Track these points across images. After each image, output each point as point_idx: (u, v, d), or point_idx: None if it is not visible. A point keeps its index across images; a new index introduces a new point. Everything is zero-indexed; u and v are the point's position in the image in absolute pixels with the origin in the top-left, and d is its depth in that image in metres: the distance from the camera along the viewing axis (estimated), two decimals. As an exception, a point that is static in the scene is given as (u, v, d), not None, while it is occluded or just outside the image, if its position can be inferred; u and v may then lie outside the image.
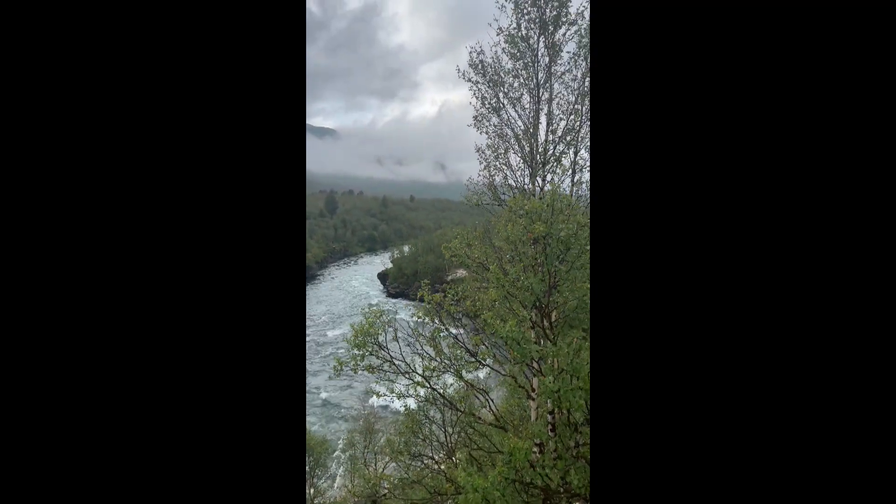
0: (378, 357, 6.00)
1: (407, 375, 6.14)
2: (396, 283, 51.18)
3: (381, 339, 6.06)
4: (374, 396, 24.31)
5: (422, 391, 6.47)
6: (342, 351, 32.30)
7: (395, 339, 6.17)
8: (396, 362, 5.99)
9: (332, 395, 25.82)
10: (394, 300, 47.82)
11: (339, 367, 5.64)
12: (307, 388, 26.49)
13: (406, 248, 56.99)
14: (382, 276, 55.66)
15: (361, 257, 79.19)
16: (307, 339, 35.34)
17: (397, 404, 7.87)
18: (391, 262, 56.14)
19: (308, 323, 40.19)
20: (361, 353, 5.92)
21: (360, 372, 6.17)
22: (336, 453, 17.19)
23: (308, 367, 29.77)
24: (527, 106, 6.35)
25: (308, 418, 22.83)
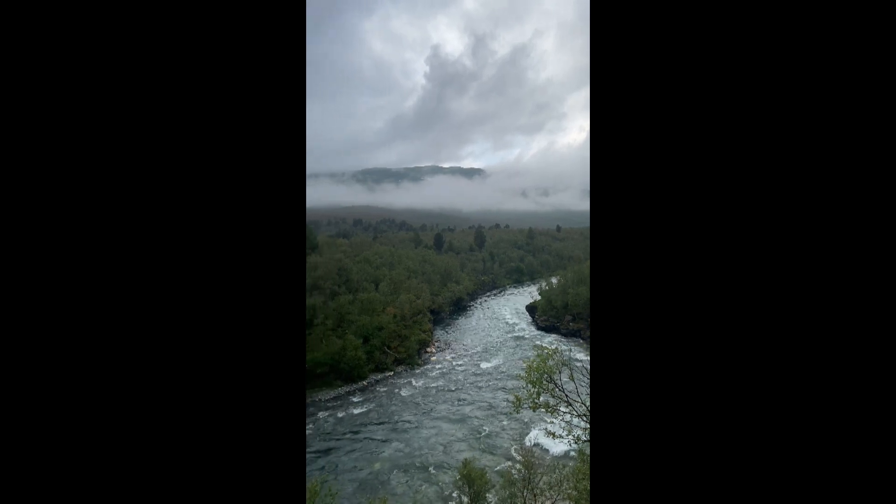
0: (554, 396, 5.92)
1: (584, 418, 5.89)
2: (546, 316, 49.76)
3: (555, 377, 5.98)
4: (534, 433, 23.32)
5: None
6: (493, 382, 32.54)
7: (571, 378, 6.01)
8: (574, 403, 5.82)
9: (490, 429, 25.99)
10: (545, 334, 46.46)
11: (517, 404, 5.75)
12: (458, 418, 27.29)
13: (554, 280, 55.32)
14: (530, 309, 54.89)
15: (509, 289, 79.82)
16: (461, 368, 36.69)
17: (554, 446, 7.48)
18: (539, 293, 55.08)
19: (462, 352, 41.86)
20: (536, 390, 5.94)
21: (525, 409, 6.16)
22: (496, 488, 17.07)
23: (464, 397, 30.76)
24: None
25: (463, 448, 23.37)
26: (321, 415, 28.40)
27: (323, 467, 21.74)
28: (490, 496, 16.86)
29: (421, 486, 20.18)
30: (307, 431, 26.12)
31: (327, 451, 23.72)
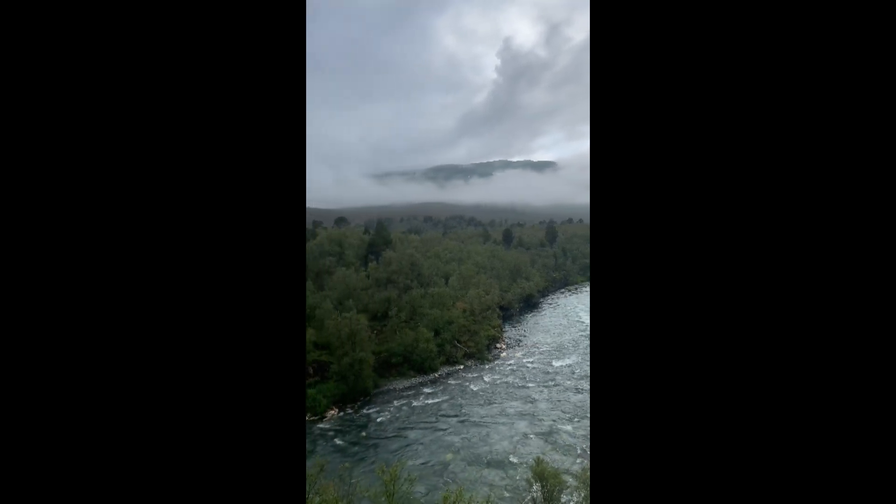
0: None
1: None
2: (624, 316, 46.99)
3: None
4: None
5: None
6: (567, 381, 31.55)
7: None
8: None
9: (564, 428, 25.32)
10: (621, 334, 43.88)
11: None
12: (529, 415, 26.88)
13: (634, 278, 51.93)
14: (607, 308, 52.12)
15: (582, 286, 76.70)
16: (532, 366, 36.10)
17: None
18: (617, 292, 52.09)
19: (533, 350, 41.15)
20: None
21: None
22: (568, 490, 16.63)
23: (535, 395, 30.28)
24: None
25: (536, 445, 23.02)
26: (396, 403, 29.67)
27: (400, 449, 22.75)
28: (564, 496, 16.46)
29: (493, 480, 20.29)
30: (383, 417, 27.46)
31: (401, 438, 24.76)
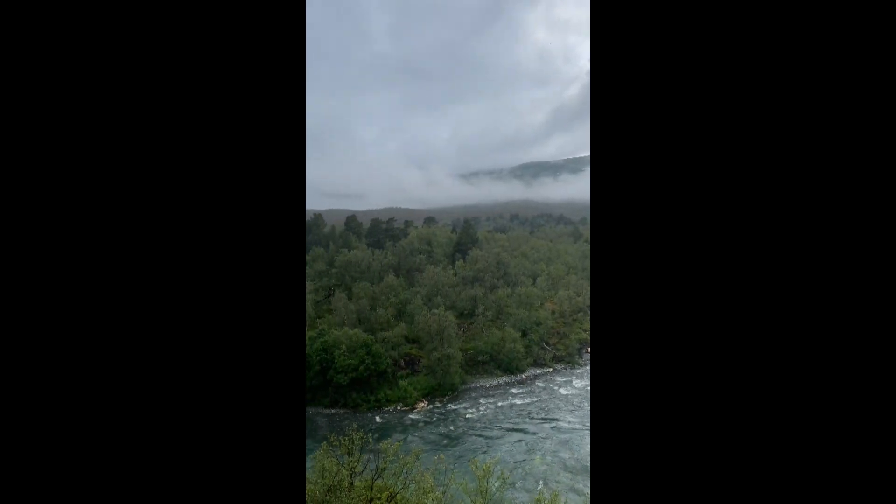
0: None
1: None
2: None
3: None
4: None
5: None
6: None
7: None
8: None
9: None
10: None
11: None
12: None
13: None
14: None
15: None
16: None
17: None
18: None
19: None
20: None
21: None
22: None
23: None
24: None
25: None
26: (483, 400, 29.93)
27: (489, 444, 22.95)
28: None
29: (584, 488, 19.47)
30: (472, 414, 27.89)
31: (489, 437, 24.91)
